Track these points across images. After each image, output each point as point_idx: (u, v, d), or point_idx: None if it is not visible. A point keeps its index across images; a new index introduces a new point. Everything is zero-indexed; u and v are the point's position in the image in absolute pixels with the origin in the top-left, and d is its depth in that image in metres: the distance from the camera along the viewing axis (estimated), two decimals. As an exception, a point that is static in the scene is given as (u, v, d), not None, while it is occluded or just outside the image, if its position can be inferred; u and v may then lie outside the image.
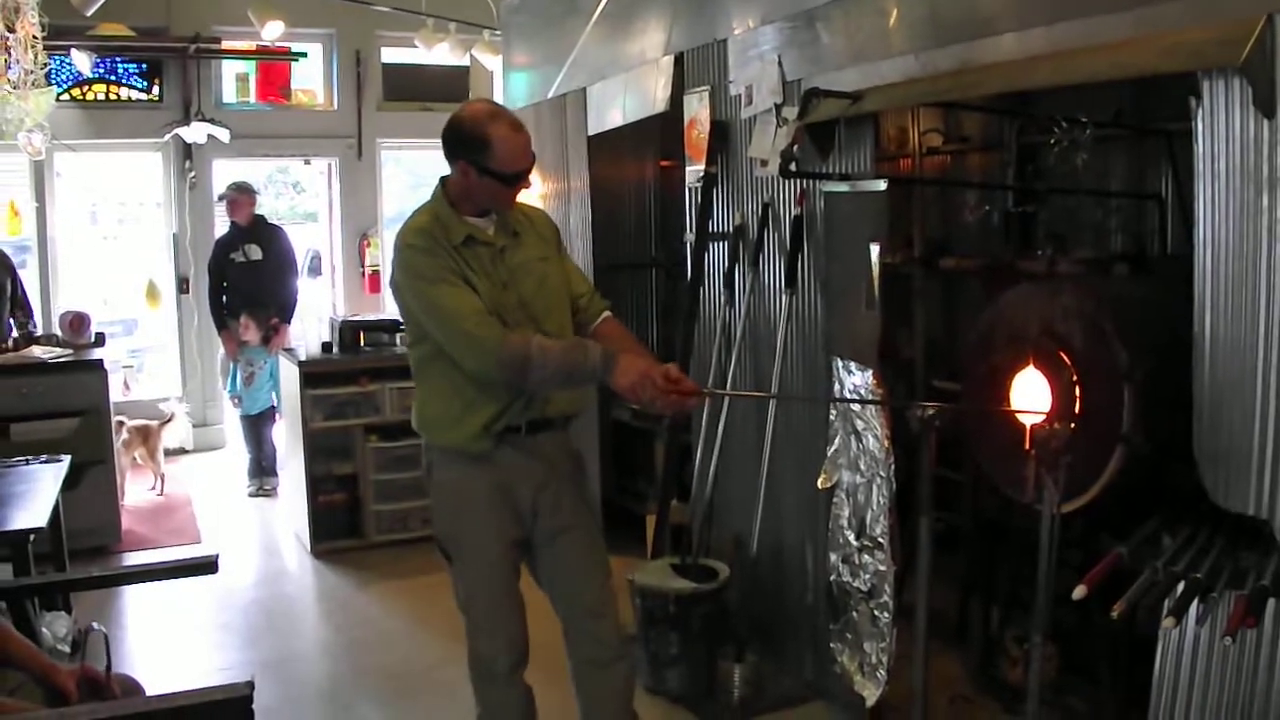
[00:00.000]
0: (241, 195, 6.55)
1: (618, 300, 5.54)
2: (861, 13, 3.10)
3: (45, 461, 3.65)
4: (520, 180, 2.51)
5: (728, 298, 3.85)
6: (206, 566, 2.68)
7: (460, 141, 2.45)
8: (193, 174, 7.60)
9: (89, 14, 6.32)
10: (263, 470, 6.52)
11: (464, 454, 2.56)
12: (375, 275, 8.19)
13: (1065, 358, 2.64)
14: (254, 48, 7.64)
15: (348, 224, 8.23)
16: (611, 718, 2.72)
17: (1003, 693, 3.31)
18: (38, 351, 5.35)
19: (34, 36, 5.19)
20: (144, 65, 7.51)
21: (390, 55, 8.24)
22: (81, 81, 7.31)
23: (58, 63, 6.80)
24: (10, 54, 5.12)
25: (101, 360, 5.37)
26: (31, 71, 5.23)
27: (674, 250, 5.17)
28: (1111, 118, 3.55)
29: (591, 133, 4.77)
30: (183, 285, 7.70)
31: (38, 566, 3.00)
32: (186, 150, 7.54)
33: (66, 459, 3.67)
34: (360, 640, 4.24)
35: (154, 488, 6.38)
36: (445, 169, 2.54)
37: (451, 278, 2.43)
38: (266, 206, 7.65)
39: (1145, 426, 2.52)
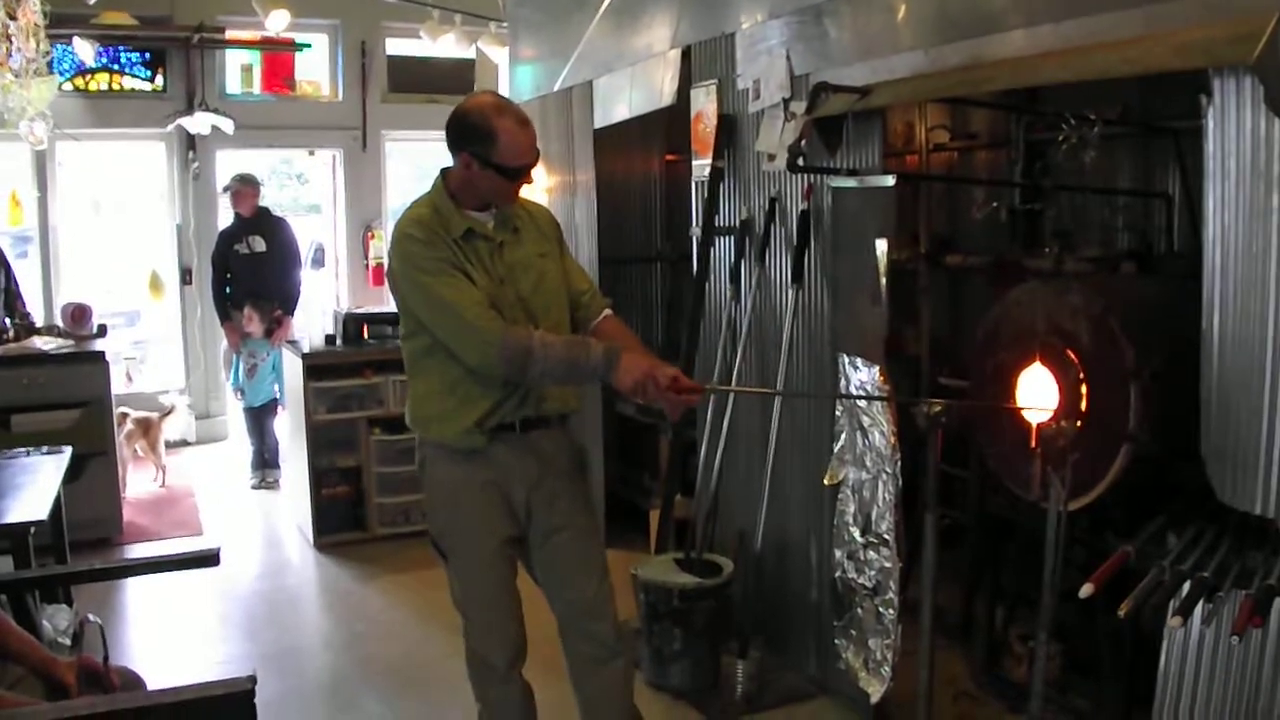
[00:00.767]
0: (245, 187, 6.54)
1: (622, 295, 5.55)
2: (870, 7, 3.09)
3: (46, 453, 3.63)
4: (523, 175, 2.48)
5: (734, 293, 3.84)
6: (208, 559, 2.67)
7: (465, 133, 2.42)
8: (196, 165, 7.58)
9: (92, 2, 6.33)
10: (265, 463, 6.52)
11: (457, 450, 2.53)
12: (379, 267, 8.17)
13: (1072, 355, 2.63)
14: (258, 38, 7.61)
15: (352, 216, 8.22)
16: (611, 714, 2.71)
17: (1007, 690, 3.31)
18: (39, 343, 5.34)
19: (36, 25, 5.17)
20: (147, 55, 7.49)
21: (395, 47, 8.22)
22: (84, 71, 7.28)
23: (60, 51, 6.79)
24: (12, 42, 5.09)
25: (103, 352, 5.37)
26: (34, 60, 5.20)
27: (680, 245, 5.17)
28: (1118, 115, 3.53)
29: (597, 126, 4.75)
30: (186, 276, 7.69)
31: (38, 559, 2.98)
32: (190, 141, 7.52)
33: (68, 451, 3.65)
34: (363, 634, 4.24)
35: (156, 480, 6.38)
36: (450, 161, 2.51)
37: (451, 270, 2.41)
38: (270, 198, 7.62)
39: (1152, 425, 2.51)
